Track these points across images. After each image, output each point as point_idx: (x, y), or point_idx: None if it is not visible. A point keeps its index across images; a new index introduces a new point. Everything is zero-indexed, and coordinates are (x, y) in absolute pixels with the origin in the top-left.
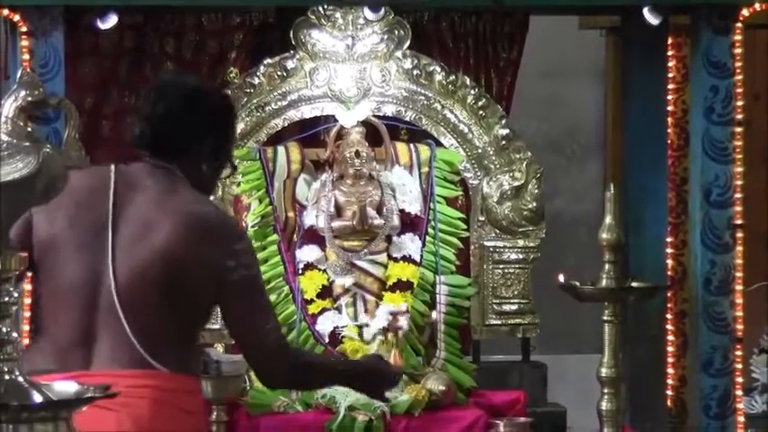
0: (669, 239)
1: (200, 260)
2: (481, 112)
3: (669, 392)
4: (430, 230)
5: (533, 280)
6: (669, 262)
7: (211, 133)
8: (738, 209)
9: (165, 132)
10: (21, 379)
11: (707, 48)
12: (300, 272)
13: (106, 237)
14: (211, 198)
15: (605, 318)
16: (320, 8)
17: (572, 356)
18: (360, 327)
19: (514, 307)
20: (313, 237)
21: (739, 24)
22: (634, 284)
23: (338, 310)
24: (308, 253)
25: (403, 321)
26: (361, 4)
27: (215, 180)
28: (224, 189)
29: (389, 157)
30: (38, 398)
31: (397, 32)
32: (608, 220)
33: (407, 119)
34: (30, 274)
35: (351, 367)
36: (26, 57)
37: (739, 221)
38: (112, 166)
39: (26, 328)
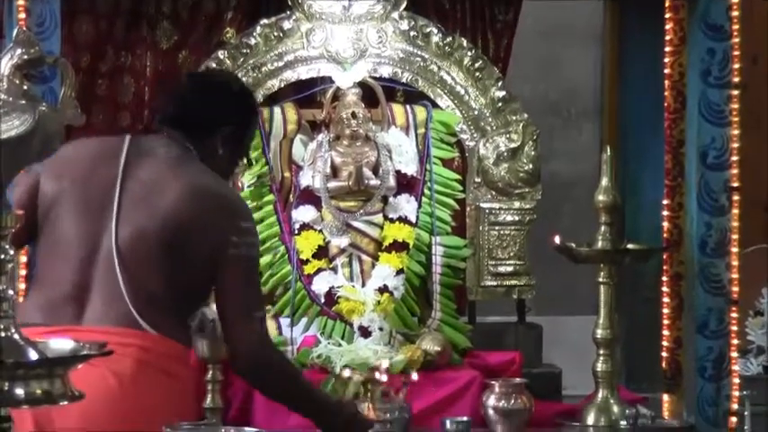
0: (665, 202)
1: (203, 229)
2: (478, 73)
3: (664, 354)
4: (426, 191)
5: (529, 241)
6: (665, 224)
7: (233, 122)
8: (735, 171)
9: (190, 111)
10: (17, 336)
11: (704, 10)
12: (296, 232)
13: (113, 195)
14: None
15: (601, 279)
16: None
17: (567, 318)
18: (355, 287)
19: (510, 268)
20: (309, 197)
21: None
22: (630, 246)
23: (334, 270)
24: (303, 213)
25: (398, 282)
26: None
27: (230, 169)
28: None
29: (386, 119)
30: (34, 355)
31: None
32: (604, 182)
33: (404, 80)
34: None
35: (325, 403)
36: (22, 16)
37: (735, 184)
38: (128, 136)
39: (22, 286)
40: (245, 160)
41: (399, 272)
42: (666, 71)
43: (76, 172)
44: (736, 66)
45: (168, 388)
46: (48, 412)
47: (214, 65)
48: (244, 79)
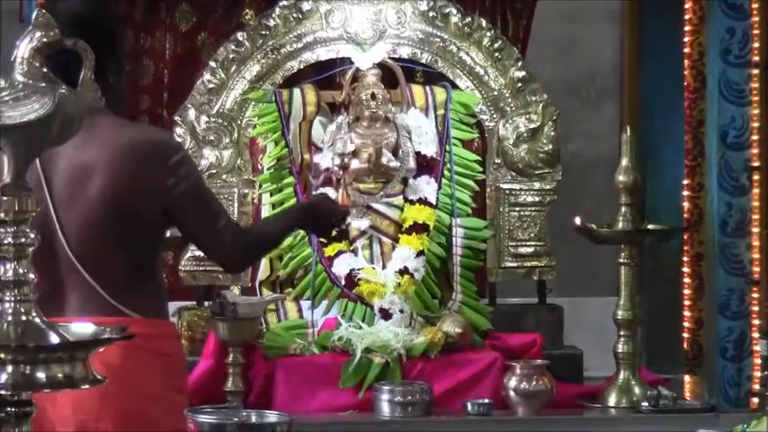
0: (685, 182)
1: (138, 189)
2: (497, 54)
3: (685, 335)
4: (446, 173)
5: (549, 222)
6: (685, 204)
7: (111, 49)
8: (755, 151)
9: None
10: (38, 320)
11: None
12: None
13: (44, 198)
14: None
15: (621, 260)
16: None
17: (588, 299)
18: (375, 269)
19: (530, 249)
20: (329, 179)
21: None
22: (650, 227)
23: (354, 252)
24: None
25: (419, 264)
26: None
27: (124, 91)
28: (240, 132)
29: (405, 100)
30: (55, 339)
31: None
32: (624, 162)
33: (423, 61)
34: None
35: (295, 213)
36: None
37: (756, 164)
38: None
39: None
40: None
41: (420, 254)
42: (686, 50)
43: None
44: (756, 45)
45: (161, 366)
46: (42, 406)
47: (233, 47)
48: (263, 61)
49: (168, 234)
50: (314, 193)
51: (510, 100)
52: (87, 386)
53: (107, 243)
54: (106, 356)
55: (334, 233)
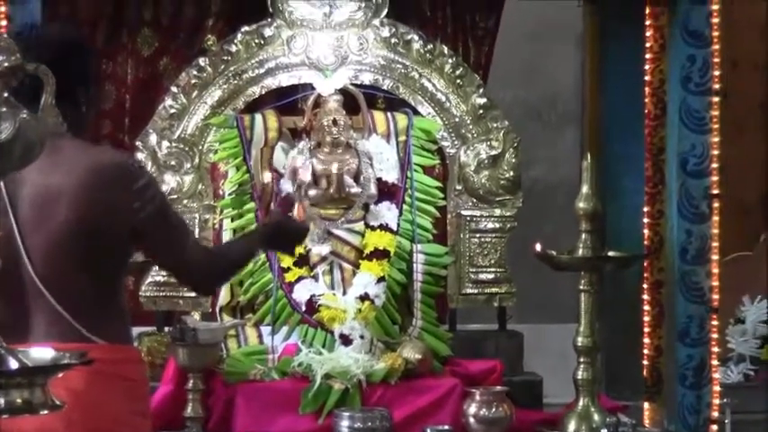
0: (646, 209)
1: (104, 212)
2: (459, 80)
3: (645, 362)
4: (407, 199)
5: (510, 249)
6: (646, 231)
7: (86, 77)
8: (715, 178)
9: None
10: None
11: (684, 17)
12: None
13: (9, 224)
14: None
15: (582, 287)
16: None
17: (548, 326)
18: (336, 295)
19: (491, 276)
20: (290, 205)
21: None
22: (611, 254)
23: (315, 278)
24: None
25: (379, 290)
26: None
27: (90, 118)
28: (201, 157)
29: (367, 126)
30: (14, 364)
31: (374, 0)
32: (585, 189)
33: (385, 87)
34: None
35: (259, 236)
36: (3, 23)
37: (716, 191)
38: None
39: None
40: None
41: (380, 280)
42: (647, 78)
43: None
44: (717, 72)
45: (125, 391)
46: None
47: (195, 72)
48: (224, 87)
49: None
50: (272, 208)
51: (471, 126)
52: (46, 411)
53: (72, 267)
54: (71, 382)
55: (297, 251)
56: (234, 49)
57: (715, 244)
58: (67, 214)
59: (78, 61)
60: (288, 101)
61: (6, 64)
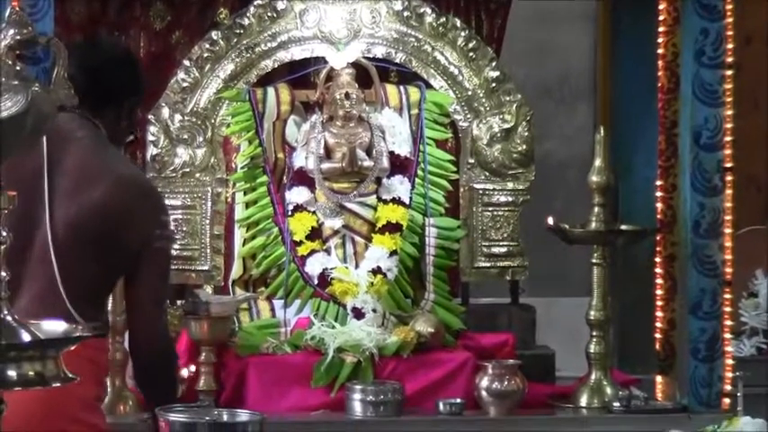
0: (658, 183)
1: (132, 221)
2: (471, 54)
3: (658, 335)
4: (419, 172)
5: (522, 222)
6: (658, 205)
7: (135, 92)
8: (728, 152)
9: (99, 87)
10: (9, 318)
11: None
12: (290, 213)
13: (42, 185)
14: None
15: (594, 261)
16: None
17: (561, 299)
18: (348, 268)
19: (503, 249)
20: (302, 178)
21: None
22: (623, 227)
23: (327, 251)
24: (297, 195)
25: (392, 263)
26: None
27: (125, 140)
28: (213, 130)
29: (379, 99)
30: (26, 337)
31: None
32: (597, 162)
33: (397, 61)
34: None
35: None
36: None
37: (729, 165)
38: None
39: None
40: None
41: (393, 253)
42: (660, 51)
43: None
44: (730, 46)
45: (96, 375)
46: None
47: (207, 45)
48: (237, 60)
49: None
50: (287, 192)
51: (484, 100)
52: (58, 384)
53: (87, 254)
54: None
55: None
56: (246, 22)
57: (728, 217)
58: (99, 201)
59: (125, 75)
60: (300, 74)
61: (19, 37)
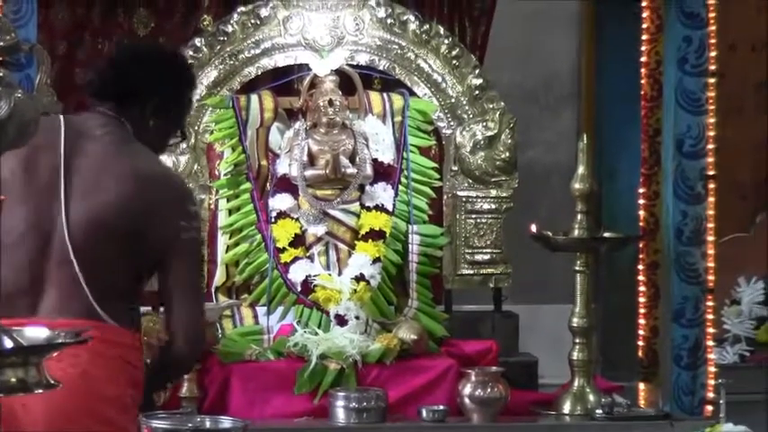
0: (641, 190)
1: (155, 215)
2: (455, 61)
3: (640, 343)
4: (403, 180)
5: (505, 230)
6: (641, 213)
7: (160, 91)
8: (711, 160)
9: (118, 81)
10: None
11: None
12: (273, 220)
13: (58, 184)
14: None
15: (577, 268)
16: None
17: (544, 306)
18: (332, 275)
19: (487, 257)
20: (286, 185)
21: None
22: (606, 235)
23: (311, 258)
24: (280, 201)
25: (375, 270)
26: None
27: (162, 142)
28: (197, 137)
29: (363, 107)
30: (8, 343)
31: None
32: (581, 170)
33: (381, 68)
34: None
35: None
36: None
37: (712, 172)
38: (61, 116)
39: None
40: (179, 134)
41: (376, 260)
42: (643, 59)
43: (17, 160)
44: (713, 54)
45: (130, 376)
46: (12, 412)
47: (191, 52)
48: (220, 67)
49: None
50: (270, 199)
51: (467, 107)
52: (41, 390)
53: (107, 251)
54: (79, 360)
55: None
56: (230, 29)
57: (710, 225)
58: (119, 198)
59: (149, 74)
60: (284, 81)
61: (2, 43)
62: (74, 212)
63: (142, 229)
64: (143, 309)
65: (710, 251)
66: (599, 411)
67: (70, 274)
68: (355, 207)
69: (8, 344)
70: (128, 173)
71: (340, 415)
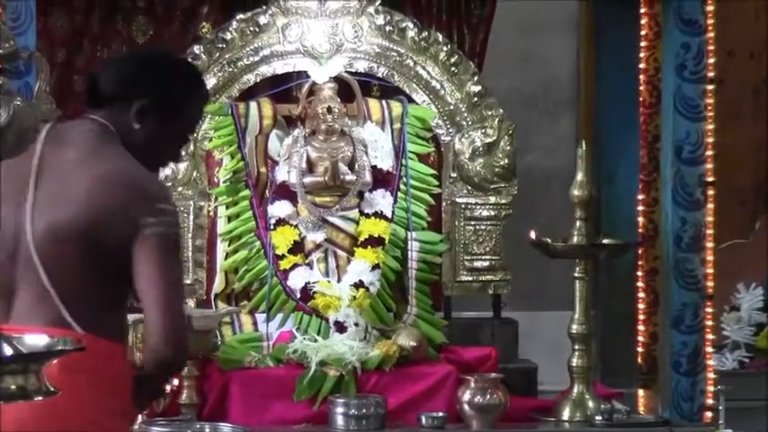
0: (640, 197)
1: (114, 215)
2: (453, 68)
3: (640, 349)
4: (402, 186)
5: (505, 236)
6: (640, 219)
7: (147, 94)
8: (709, 166)
9: (105, 83)
10: None
11: (679, 5)
12: (272, 227)
13: (27, 191)
14: (166, 169)
15: (576, 274)
16: None
17: (543, 313)
18: (331, 282)
19: (486, 263)
20: (285, 192)
21: None
22: (605, 241)
23: (310, 265)
24: (279, 208)
25: (374, 277)
26: None
27: (156, 151)
28: (196, 145)
29: (361, 114)
30: (8, 351)
31: None
32: (580, 176)
33: (380, 75)
34: None
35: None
36: None
37: (710, 179)
38: (48, 124)
39: None
40: (179, 146)
41: (375, 267)
42: (642, 66)
43: None
44: (711, 60)
45: (103, 387)
46: None
47: (190, 60)
48: (219, 74)
49: None
50: (269, 206)
51: (466, 114)
52: (41, 398)
53: (71, 256)
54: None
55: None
56: (229, 36)
57: (709, 231)
58: (78, 201)
59: (137, 73)
60: (282, 88)
61: (1, 51)
62: (38, 218)
63: (103, 232)
64: (141, 316)
65: (710, 257)
66: (598, 418)
67: (38, 281)
68: (354, 214)
69: (7, 351)
70: (93, 176)
71: (339, 421)
